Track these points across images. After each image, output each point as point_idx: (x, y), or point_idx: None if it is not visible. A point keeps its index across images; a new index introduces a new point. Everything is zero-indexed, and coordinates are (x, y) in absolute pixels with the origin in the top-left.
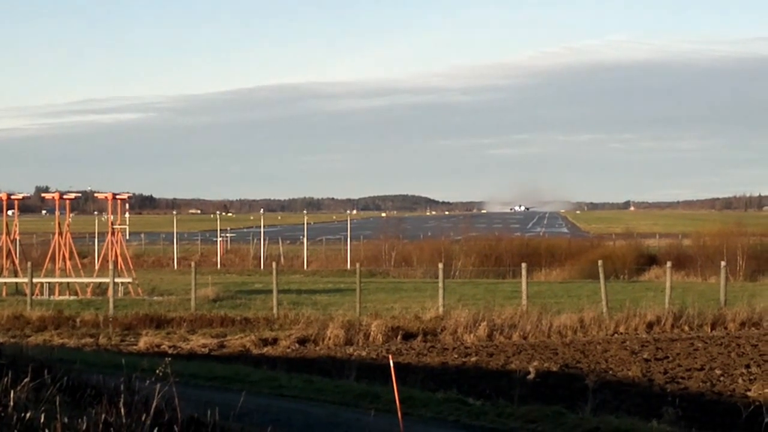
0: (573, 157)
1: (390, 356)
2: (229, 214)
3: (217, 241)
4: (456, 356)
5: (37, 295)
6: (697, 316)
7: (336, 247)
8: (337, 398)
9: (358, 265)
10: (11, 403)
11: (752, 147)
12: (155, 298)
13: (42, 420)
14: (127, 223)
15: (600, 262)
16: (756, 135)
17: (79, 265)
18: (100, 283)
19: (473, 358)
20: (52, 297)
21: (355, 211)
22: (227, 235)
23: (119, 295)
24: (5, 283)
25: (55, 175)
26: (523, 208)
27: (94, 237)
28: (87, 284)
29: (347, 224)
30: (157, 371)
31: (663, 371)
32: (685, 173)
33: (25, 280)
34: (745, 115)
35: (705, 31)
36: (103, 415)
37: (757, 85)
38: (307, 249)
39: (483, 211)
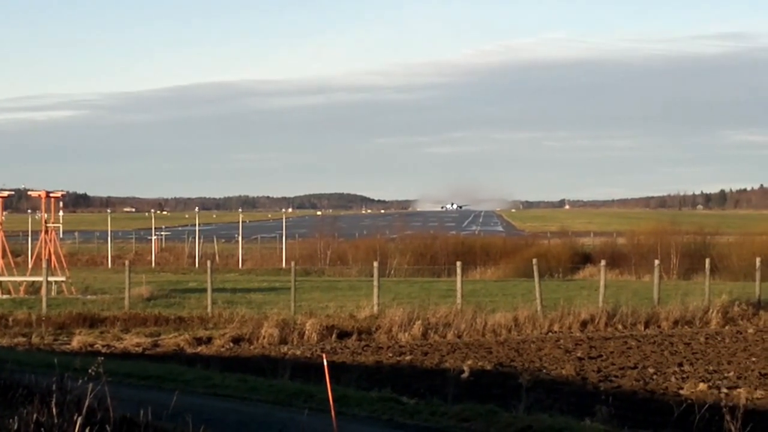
0: (509, 156)
1: (324, 355)
2: (164, 213)
3: (151, 239)
4: (390, 355)
5: None
6: (631, 315)
7: (271, 245)
8: (271, 397)
9: (293, 263)
10: None
11: (687, 146)
12: (89, 297)
13: None
14: (61, 221)
15: (534, 261)
16: (691, 134)
17: (12, 264)
18: (33, 281)
19: (408, 357)
20: None
21: (290, 210)
22: (162, 233)
23: (52, 294)
24: None
25: None
26: (455, 206)
27: (28, 235)
28: (20, 283)
29: (282, 223)
30: (90, 371)
31: (596, 370)
32: (620, 171)
33: None
34: (680, 114)
35: (641, 29)
36: (35, 415)
37: (692, 83)
38: (243, 247)
39: (418, 209)
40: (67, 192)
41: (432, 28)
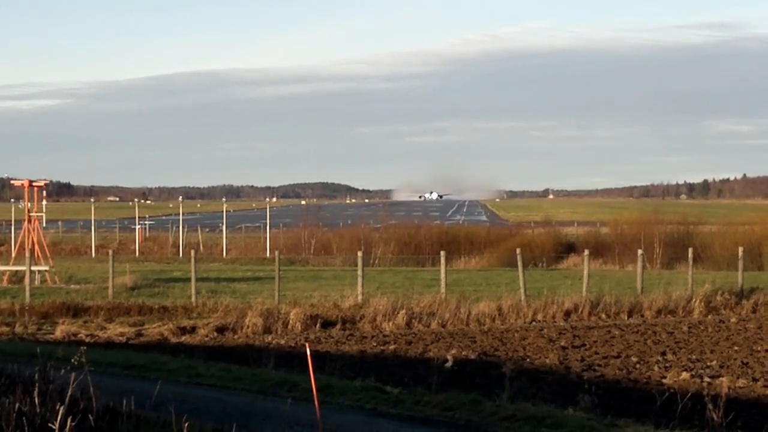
0: (493, 145)
1: (308, 344)
2: (148, 202)
3: (135, 228)
4: (374, 344)
5: None
6: (614, 304)
7: (255, 235)
8: (255, 387)
9: (277, 253)
10: None
11: (670, 136)
12: (72, 286)
13: None
14: (44, 210)
15: (518, 250)
16: (674, 123)
17: None
18: (17, 271)
19: (392, 346)
20: None
21: (274, 199)
22: (146, 222)
23: (36, 283)
24: None
25: None
26: (435, 195)
27: (11, 224)
28: (3, 272)
29: (267, 212)
30: (73, 360)
31: (580, 359)
32: (604, 161)
33: None
34: (664, 104)
35: (625, 18)
36: (17, 404)
37: (676, 73)
38: (227, 237)
39: (396, 199)
40: (51, 181)
41: (416, 17)
